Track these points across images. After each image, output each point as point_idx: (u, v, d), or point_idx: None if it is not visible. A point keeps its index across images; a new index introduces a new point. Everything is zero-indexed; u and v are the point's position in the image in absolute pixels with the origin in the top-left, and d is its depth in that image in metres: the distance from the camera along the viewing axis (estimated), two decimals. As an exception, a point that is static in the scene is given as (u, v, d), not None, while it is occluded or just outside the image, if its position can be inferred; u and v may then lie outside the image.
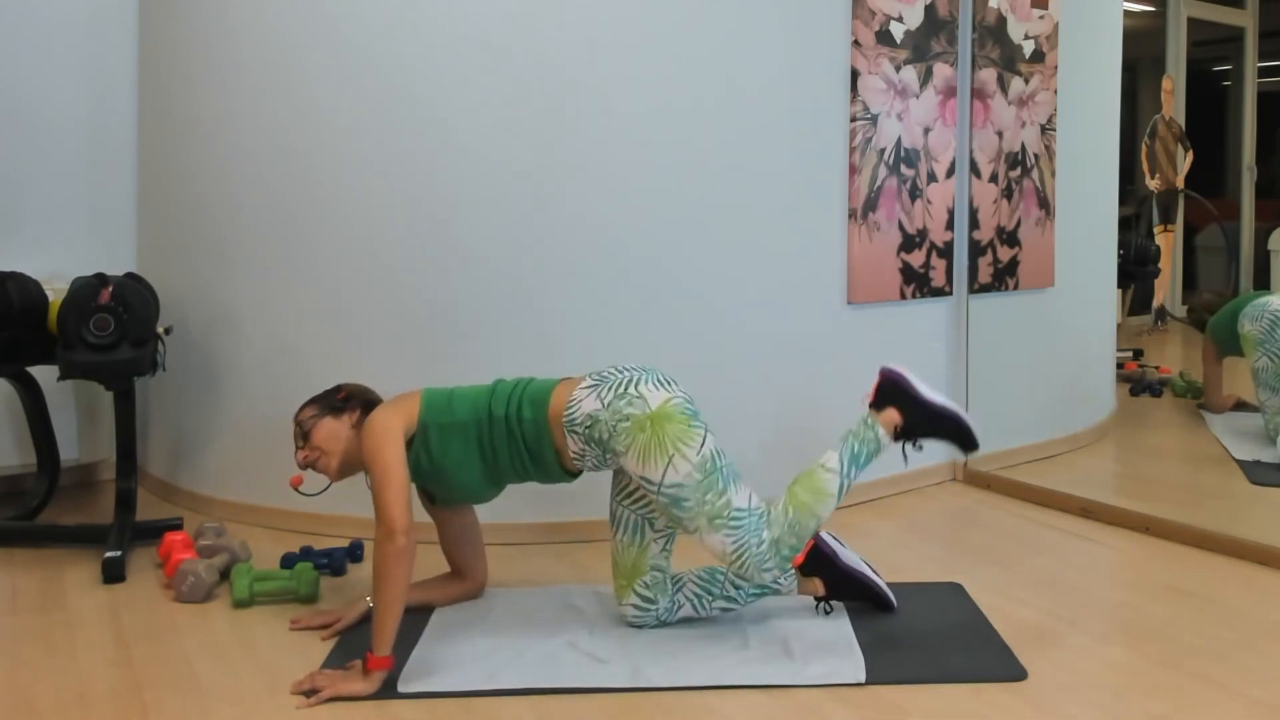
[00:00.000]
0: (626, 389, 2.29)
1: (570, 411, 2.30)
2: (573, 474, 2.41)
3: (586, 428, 2.29)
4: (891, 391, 2.39)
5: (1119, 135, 3.98)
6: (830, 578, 2.48)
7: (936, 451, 3.70)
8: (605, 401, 2.29)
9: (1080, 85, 3.95)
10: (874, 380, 2.44)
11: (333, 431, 2.40)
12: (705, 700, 2.10)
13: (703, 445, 2.25)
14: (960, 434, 2.38)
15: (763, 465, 3.28)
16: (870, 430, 2.38)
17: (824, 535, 2.49)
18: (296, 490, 2.46)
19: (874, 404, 2.41)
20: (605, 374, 2.34)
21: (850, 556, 2.49)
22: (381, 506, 2.18)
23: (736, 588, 2.44)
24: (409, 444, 2.34)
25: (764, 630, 2.40)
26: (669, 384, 2.32)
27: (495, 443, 2.34)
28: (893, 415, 2.38)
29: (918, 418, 2.37)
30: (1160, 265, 4.03)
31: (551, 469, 2.37)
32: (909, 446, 2.41)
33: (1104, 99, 3.99)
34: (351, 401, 2.45)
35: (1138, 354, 4.27)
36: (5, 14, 3.54)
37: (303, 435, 2.41)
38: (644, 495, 2.37)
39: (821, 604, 2.49)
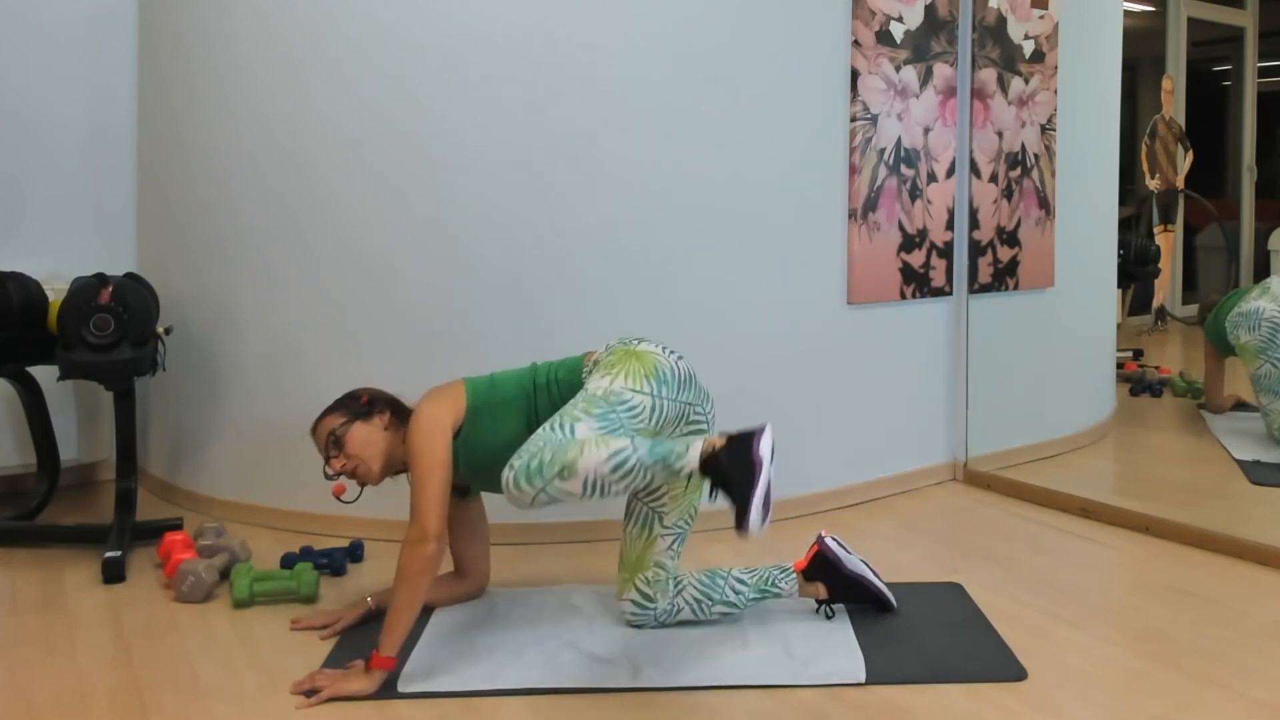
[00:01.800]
0: (629, 340, 2.39)
1: (589, 365, 2.38)
2: None
3: (590, 370, 2.35)
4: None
5: (1119, 135, 3.98)
6: (834, 583, 2.48)
7: (937, 451, 3.71)
8: (609, 347, 2.39)
9: (1080, 85, 3.95)
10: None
11: (368, 436, 2.39)
12: (705, 700, 2.10)
13: (633, 392, 2.23)
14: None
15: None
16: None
17: (828, 540, 2.49)
18: (339, 499, 2.44)
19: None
20: (622, 338, 2.44)
21: (854, 562, 2.49)
22: (419, 508, 2.18)
23: (736, 592, 2.44)
24: (456, 434, 2.34)
25: (764, 630, 2.40)
26: (669, 353, 2.37)
27: (540, 411, 2.38)
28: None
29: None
30: (1160, 265, 4.03)
31: None
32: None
33: (1104, 99, 3.99)
34: (378, 404, 2.44)
35: (1138, 354, 4.28)
36: (5, 15, 3.54)
37: (336, 444, 2.38)
38: (657, 489, 2.39)
39: (823, 607, 2.50)
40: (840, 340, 3.44)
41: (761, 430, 1.99)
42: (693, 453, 2.01)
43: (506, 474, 2.04)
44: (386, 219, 3.09)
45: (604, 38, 3.06)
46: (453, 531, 2.57)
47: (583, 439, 2.05)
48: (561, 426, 2.11)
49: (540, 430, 2.12)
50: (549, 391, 2.39)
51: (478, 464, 2.38)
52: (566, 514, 3.09)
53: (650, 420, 2.25)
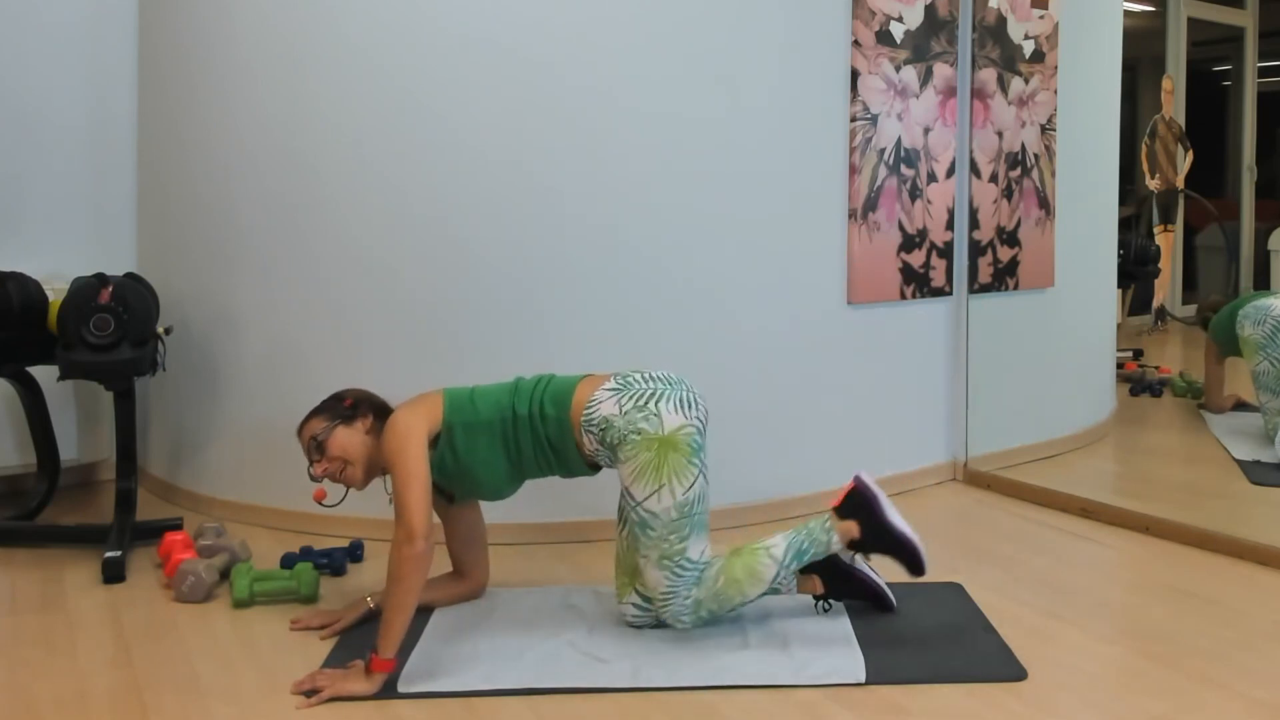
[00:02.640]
0: (646, 403, 2.31)
1: (589, 411, 2.32)
2: (595, 468, 2.42)
3: (601, 430, 2.31)
4: (858, 504, 2.41)
5: (1119, 135, 3.98)
6: (830, 576, 2.48)
7: (936, 451, 3.70)
8: (623, 409, 2.30)
9: (1080, 85, 3.95)
10: (848, 483, 2.47)
11: (350, 440, 2.38)
12: (705, 700, 2.10)
13: (692, 487, 2.29)
14: (912, 560, 2.39)
15: (761, 465, 3.29)
16: (825, 534, 2.40)
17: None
18: (320, 504, 2.44)
19: (838, 508, 2.43)
20: (629, 380, 2.35)
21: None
22: (402, 510, 2.18)
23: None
24: (433, 444, 2.34)
25: (764, 630, 2.40)
26: (689, 407, 2.33)
27: (520, 440, 2.36)
28: (851, 528, 2.39)
29: (875, 537, 2.39)
30: (1160, 265, 4.03)
31: (575, 464, 2.40)
32: (857, 557, 2.51)
33: (1104, 99, 3.99)
34: (361, 407, 2.44)
35: (1138, 354, 4.28)
36: (5, 14, 3.54)
37: (318, 448, 2.37)
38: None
39: (820, 602, 2.49)
40: (840, 340, 3.44)
41: (877, 499, 2.38)
42: (834, 544, 2.39)
43: (679, 627, 2.35)
44: (386, 219, 3.09)
45: (604, 38, 3.06)
46: (451, 533, 2.57)
47: (729, 575, 2.30)
48: (682, 567, 2.29)
49: (659, 574, 2.29)
50: (531, 425, 2.35)
51: (451, 475, 2.38)
52: (567, 514, 3.09)
53: (707, 483, 2.35)
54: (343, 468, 2.37)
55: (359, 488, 2.42)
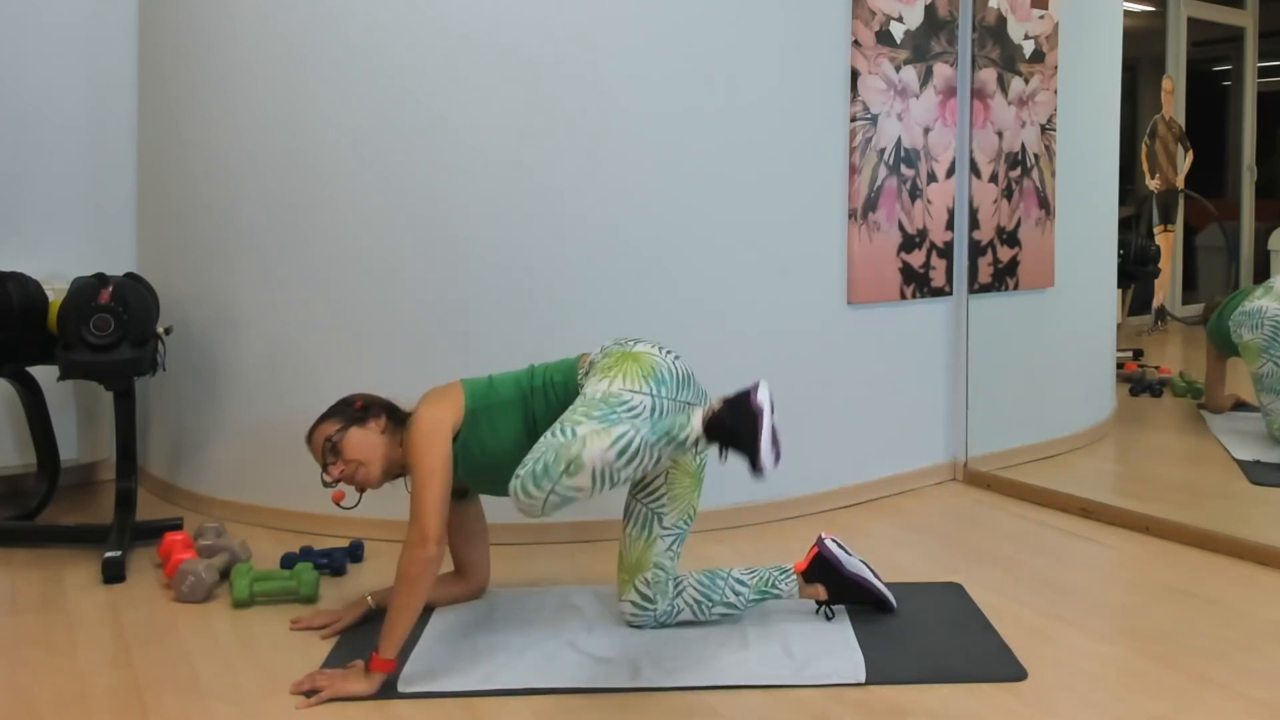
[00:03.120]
0: (625, 341, 2.40)
1: (582, 369, 2.39)
2: None
3: (586, 375, 2.36)
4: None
5: (1119, 135, 3.98)
6: (833, 584, 2.48)
7: (936, 451, 3.71)
8: (604, 349, 2.40)
9: (1080, 85, 3.95)
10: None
11: (365, 441, 2.38)
12: (705, 700, 2.10)
13: (630, 392, 2.24)
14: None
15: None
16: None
17: (827, 541, 2.49)
18: (339, 505, 2.43)
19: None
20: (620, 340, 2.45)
21: (853, 564, 2.49)
22: (419, 511, 2.18)
23: (736, 594, 2.44)
24: (455, 436, 2.34)
25: (764, 631, 2.40)
26: (666, 352, 2.37)
27: (537, 412, 2.38)
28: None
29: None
30: (1160, 265, 4.03)
31: None
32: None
33: (1104, 99, 3.99)
34: (373, 408, 2.44)
35: (1138, 354, 4.28)
36: (5, 14, 3.54)
37: (333, 451, 2.36)
38: (656, 489, 2.39)
39: (823, 608, 2.49)
40: (840, 340, 3.44)
41: (755, 384, 2.04)
42: (695, 420, 2.04)
43: (513, 484, 2.06)
44: (386, 219, 3.09)
45: (604, 38, 3.06)
46: (452, 533, 2.57)
47: (584, 434, 2.06)
48: (562, 430, 2.12)
49: (542, 438, 2.13)
50: (545, 394, 2.39)
51: (477, 466, 2.38)
52: (566, 514, 3.09)
53: (650, 415, 2.25)
54: (358, 469, 2.37)
55: (375, 487, 2.42)
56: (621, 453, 2.01)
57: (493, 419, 2.36)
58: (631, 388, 2.24)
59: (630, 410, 2.21)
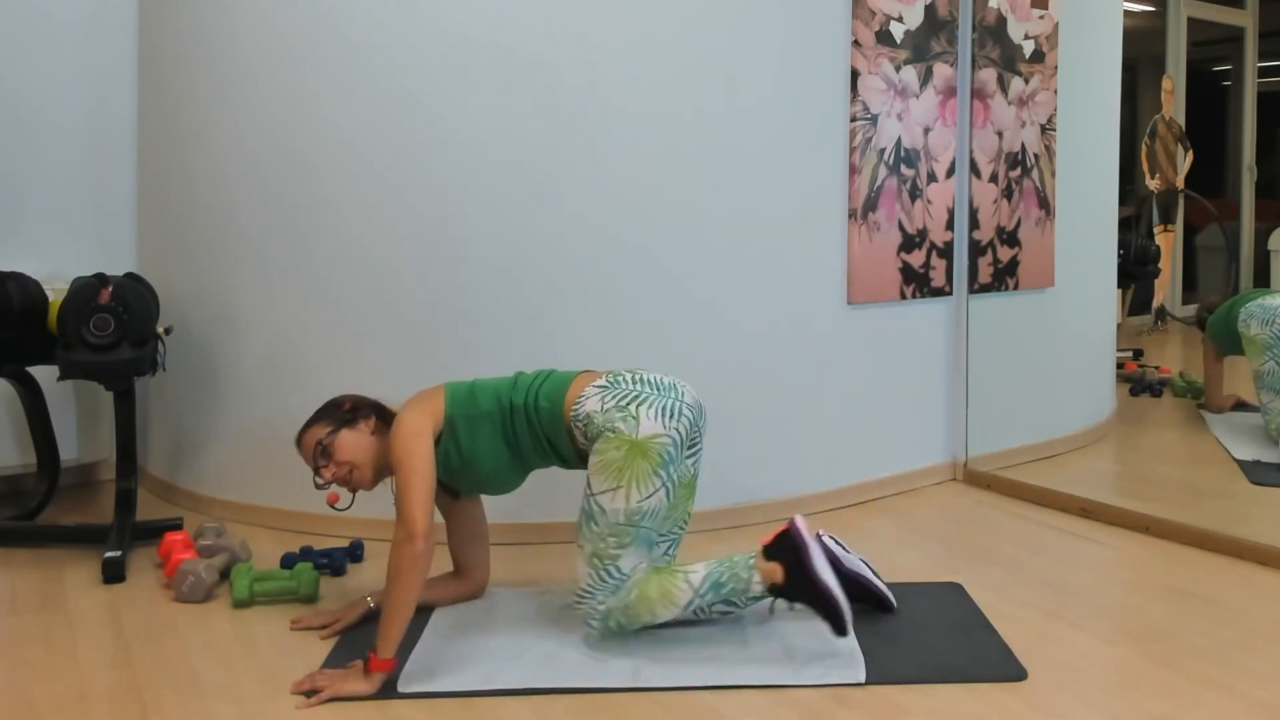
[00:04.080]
0: (628, 405, 2.31)
1: (577, 406, 2.34)
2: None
3: (584, 425, 2.32)
4: (786, 547, 2.29)
5: (1119, 135, 3.98)
6: (793, 569, 2.45)
7: (936, 451, 3.71)
8: (604, 407, 2.31)
9: (1080, 85, 3.95)
10: (782, 524, 2.35)
11: (356, 443, 2.38)
12: (705, 700, 2.10)
13: (648, 498, 2.27)
14: (834, 617, 2.23)
15: (761, 465, 3.28)
16: (747, 571, 2.29)
17: (826, 538, 2.48)
18: (333, 508, 2.43)
19: (767, 548, 2.32)
20: (619, 379, 2.36)
21: (851, 560, 2.49)
22: (404, 509, 2.19)
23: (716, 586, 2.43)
24: (436, 441, 2.34)
25: (764, 630, 2.40)
26: (669, 417, 2.31)
27: (517, 430, 2.37)
28: (775, 570, 2.28)
29: (797, 586, 2.26)
30: (1160, 265, 4.03)
31: (569, 456, 2.41)
32: (780, 603, 2.38)
33: (1104, 99, 3.99)
34: (361, 409, 2.44)
35: (1138, 354, 4.28)
36: (5, 14, 3.54)
37: (324, 454, 2.37)
38: None
39: (776, 600, 2.38)
40: (840, 340, 3.44)
41: (804, 544, 2.24)
42: (755, 586, 2.28)
43: (589, 634, 2.33)
44: (386, 219, 3.09)
45: (604, 38, 3.06)
46: (453, 532, 2.57)
47: (643, 591, 2.26)
48: (608, 572, 2.28)
49: (589, 575, 2.28)
50: (526, 415, 2.37)
51: (456, 471, 2.39)
52: (567, 514, 3.09)
53: (667, 500, 2.32)
54: (350, 471, 2.37)
55: (368, 488, 2.42)
56: (684, 608, 2.29)
57: (471, 428, 2.36)
58: (646, 493, 2.28)
59: (652, 516, 2.30)
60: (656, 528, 2.33)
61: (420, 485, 2.21)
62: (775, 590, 2.28)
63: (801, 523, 2.30)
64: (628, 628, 2.30)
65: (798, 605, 2.30)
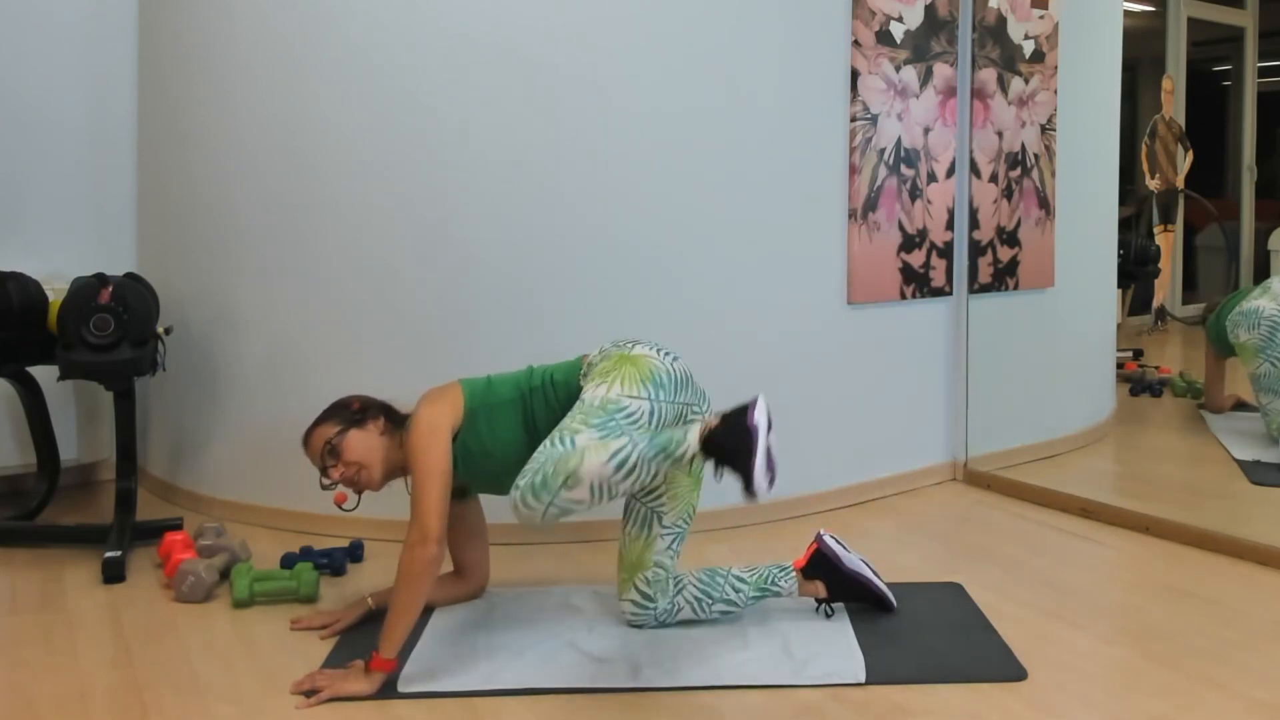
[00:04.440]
0: (624, 342, 2.40)
1: (585, 368, 2.39)
2: None
3: (585, 375, 2.36)
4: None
5: (1119, 135, 3.98)
6: (832, 581, 2.48)
7: (936, 451, 3.71)
8: (603, 348, 2.41)
9: (1080, 85, 3.95)
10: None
11: (365, 443, 2.37)
12: (705, 700, 2.10)
13: (630, 398, 2.23)
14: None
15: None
16: (681, 433, 2.10)
17: (826, 538, 2.49)
18: (340, 508, 2.42)
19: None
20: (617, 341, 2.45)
21: (852, 560, 2.49)
22: (420, 510, 2.18)
23: (736, 591, 2.44)
24: (454, 436, 2.34)
25: (764, 630, 2.40)
26: (664, 354, 2.37)
27: (536, 412, 2.38)
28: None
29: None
30: (1160, 265, 4.03)
31: None
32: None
33: (1104, 99, 3.99)
34: (370, 409, 2.43)
35: (1138, 354, 4.28)
36: (5, 14, 3.54)
37: (333, 454, 2.35)
38: (655, 488, 2.40)
39: (823, 606, 2.50)
40: (840, 340, 3.44)
41: (754, 401, 2.00)
42: (691, 436, 2.02)
43: (513, 494, 2.05)
44: (386, 219, 3.09)
45: (604, 38, 3.06)
46: (452, 532, 2.57)
47: (582, 446, 2.04)
48: (561, 440, 2.10)
49: (541, 447, 2.12)
50: (544, 394, 2.39)
51: (476, 466, 2.38)
52: (566, 514, 3.09)
53: (649, 425, 2.25)
54: (358, 471, 2.36)
55: (375, 489, 2.41)
56: (619, 467, 1.99)
57: (491, 419, 2.36)
58: (630, 393, 2.24)
59: (629, 417, 2.21)
60: (629, 429, 2.20)
61: (437, 485, 2.21)
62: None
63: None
64: (549, 481, 2.01)
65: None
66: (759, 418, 1.98)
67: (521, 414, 2.38)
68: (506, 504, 2.82)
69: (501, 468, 2.39)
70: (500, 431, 2.37)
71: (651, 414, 2.25)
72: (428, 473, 2.22)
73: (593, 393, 2.25)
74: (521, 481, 2.05)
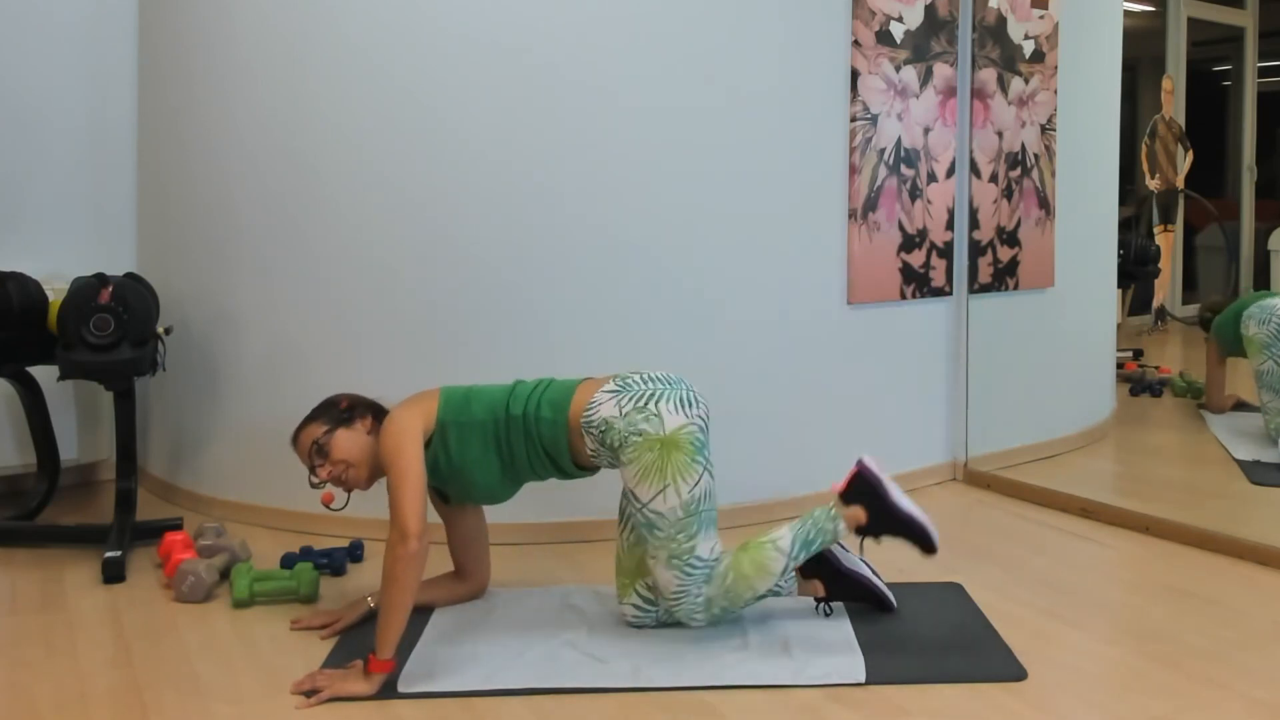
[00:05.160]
0: (646, 404, 2.30)
1: (589, 413, 2.31)
2: (591, 470, 2.42)
3: (601, 431, 2.30)
4: (863, 489, 2.35)
5: (1119, 135, 3.98)
6: (831, 579, 2.48)
7: (936, 451, 3.70)
8: (623, 411, 2.30)
9: (1080, 85, 3.95)
10: (850, 468, 2.40)
11: (352, 442, 2.37)
12: (705, 700, 2.10)
13: (697, 484, 2.28)
14: (923, 539, 2.34)
15: (761, 465, 3.28)
16: (831, 522, 2.34)
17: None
18: (328, 507, 2.42)
19: (843, 495, 2.38)
20: (629, 381, 2.35)
21: (851, 559, 2.49)
22: (397, 509, 2.18)
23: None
24: (427, 444, 2.33)
25: (764, 630, 2.40)
26: (689, 406, 2.33)
27: (512, 442, 2.35)
28: (858, 513, 2.34)
29: (882, 521, 2.34)
30: (1160, 265, 4.03)
31: (568, 468, 2.40)
32: (867, 540, 2.40)
33: (1104, 99, 3.99)
34: (358, 409, 2.43)
35: (1138, 354, 4.28)
36: (5, 14, 3.54)
37: (320, 453, 2.36)
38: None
39: (821, 605, 2.49)
40: (840, 340, 3.44)
41: (882, 484, 2.34)
42: (840, 531, 2.34)
43: (694, 628, 2.37)
44: (386, 219, 3.09)
45: (604, 38, 3.06)
46: (452, 534, 2.57)
47: (738, 571, 2.30)
48: (691, 565, 2.29)
49: (668, 574, 2.29)
50: (525, 427, 2.34)
51: (444, 476, 2.38)
52: (567, 514, 3.09)
53: (713, 479, 2.35)
54: (346, 470, 2.37)
55: (363, 488, 2.42)
56: (781, 573, 2.33)
57: (461, 436, 2.35)
58: (692, 481, 2.29)
59: (706, 498, 2.31)
60: (712, 508, 2.33)
61: (411, 485, 2.20)
62: (861, 530, 2.35)
63: (872, 461, 2.38)
64: (731, 610, 2.34)
65: (884, 538, 2.38)
66: (896, 495, 2.34)
67: (494, 439, 2.35)
68: (507, 504, 2.83)
69: (474, 486, 2.39)
70: (470, 451, 2.35)
71: (710, 474, 2.34)
72: (401, 474, 2.21)
73: (663, 504, 2.27)
74: (700, 617, 2.34)
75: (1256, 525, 3.06)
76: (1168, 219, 4.00)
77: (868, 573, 2.50)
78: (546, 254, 3.07)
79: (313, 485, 2.39)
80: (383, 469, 2.38)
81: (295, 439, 2.42)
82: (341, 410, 2.42)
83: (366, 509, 2.95)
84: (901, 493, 2.37)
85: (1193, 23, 3.91)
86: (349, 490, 2.40)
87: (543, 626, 2.44)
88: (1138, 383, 4.20)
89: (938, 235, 3.65)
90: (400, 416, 2.30)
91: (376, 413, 2.45)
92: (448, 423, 2.35)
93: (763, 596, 2.36)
